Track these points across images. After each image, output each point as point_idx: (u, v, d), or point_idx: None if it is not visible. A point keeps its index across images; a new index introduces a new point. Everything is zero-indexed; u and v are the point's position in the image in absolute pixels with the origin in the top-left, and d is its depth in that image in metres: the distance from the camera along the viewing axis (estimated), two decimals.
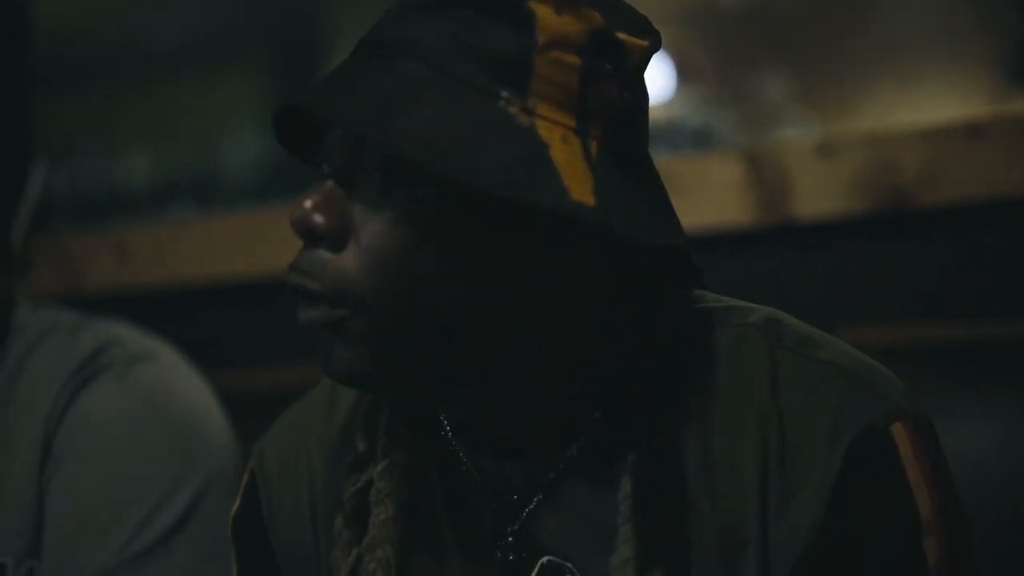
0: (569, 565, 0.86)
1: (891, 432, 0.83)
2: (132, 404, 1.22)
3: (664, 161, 1.16)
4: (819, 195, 1.44)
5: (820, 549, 0.82)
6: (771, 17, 1.57)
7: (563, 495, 0.87)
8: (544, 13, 0.81)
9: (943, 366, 1.22)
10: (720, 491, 0.84)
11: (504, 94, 0.80)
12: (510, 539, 0.88)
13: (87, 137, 2.07)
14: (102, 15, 2.08)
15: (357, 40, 0.86)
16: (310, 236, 0.83)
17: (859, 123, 1.53)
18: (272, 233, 1.72)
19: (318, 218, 0.82)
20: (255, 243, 1.74)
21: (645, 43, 0.85)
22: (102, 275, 1.83)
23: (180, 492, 1.20)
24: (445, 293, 0.82)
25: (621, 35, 0.83)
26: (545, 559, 0.87)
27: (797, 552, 0.82)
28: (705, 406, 0.85)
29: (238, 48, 2.03)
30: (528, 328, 0.84)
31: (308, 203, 0.82)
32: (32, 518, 1.20)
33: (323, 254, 0.82)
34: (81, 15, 2.09)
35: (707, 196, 1.48)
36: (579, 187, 0.79)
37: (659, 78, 1.62)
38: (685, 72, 1.67)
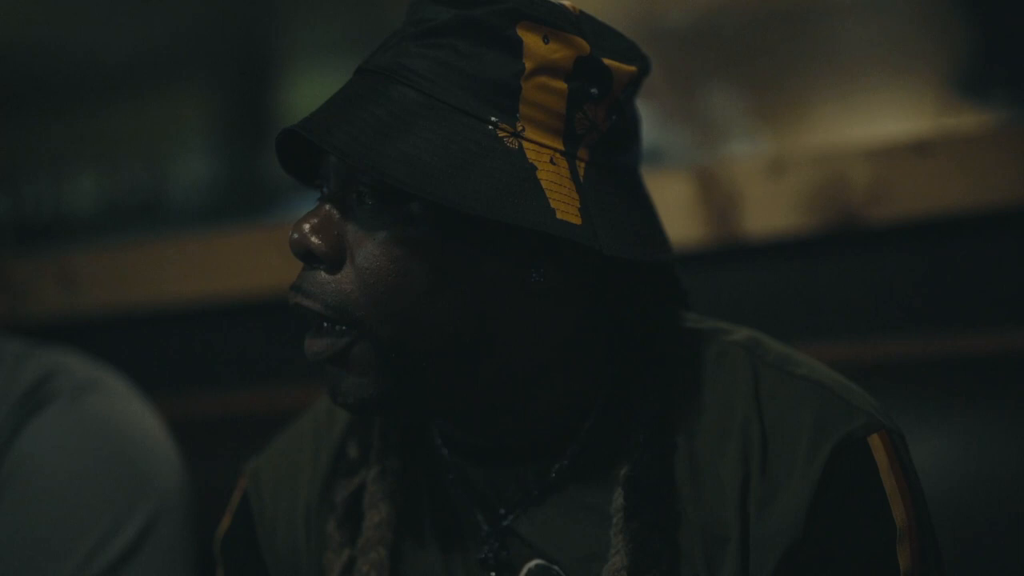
0: (557, 568, 0.90)
1: (869, 443, 0.88)
2: (79, 434, 1.22)
3: None
4: (769, 212, 1.45)
5: (799, 552, 0.86)
6: (720, 35, 1.57)
7: (553, 503, 0.91)
8: (531, 41, 0.85)
9: (893, 381, 1.23)
10: (704, 497, 0.88)
11: (493, 119, 0.83)
12: (498, 543, 0.91)
13: (30, 159, 2.04)
14: (47, 34, 2.06)
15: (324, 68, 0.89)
16: (308, 258, 0.86)
17: (809, 140, 1.53)
18: (221, 256, 1.71)
19: (315, 240, 0.86)
20: (204, 267, 1.72)
21: (632, 68, 0.88)
22: (46, 301, 1.81)
23: (130, 520, 1.19)
24: (440, 310, 0.85)
25: (607, 61, 0.87)
26: (533, 563, 0.91)
27: (777, 554, 0.86)
28: (691, 418, 0.90)
29: (187, 68, 2.01)
30: (522, 343, 0.87)
31: (306, 226, 0.86)
32: None
33: (321, 275, 0.86)
34: (24, 34, 2.06)
35: None
36: (565, 207, 0.83)
37: None
38: None
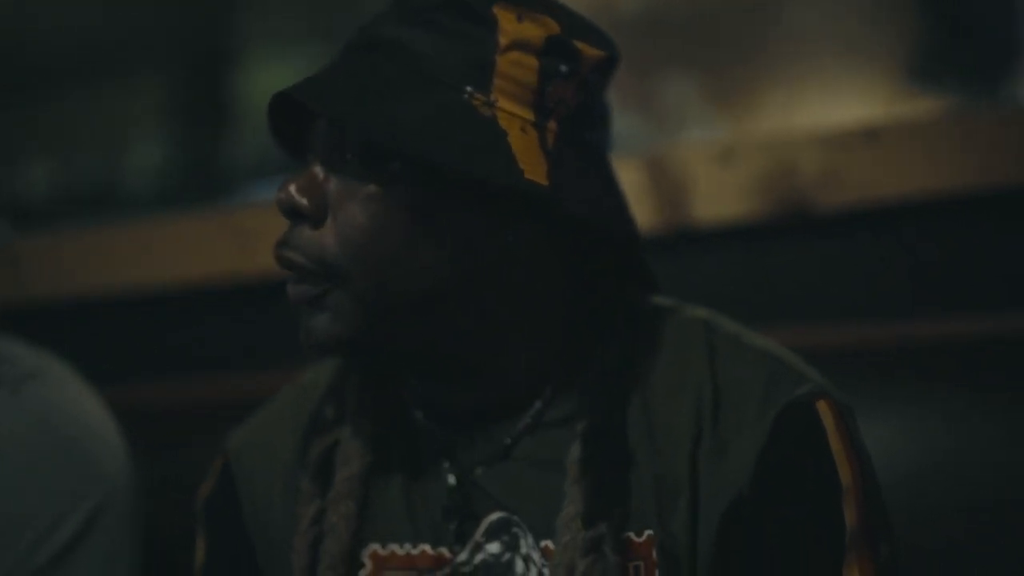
0: (516, 519, 0.95)
1: (816, 406, 0.93)
2: (23, 423, 1.21)
3: None
4: (719, 199, 1.45)
5: (745, 504, 0.91)
6: (671, 22, 1.58)
7: (517, 459, 0.96)
8: (506, 19, 0.92)
9: (843, 366, 1.23)
10: (657, 451, 0.93)
11: (468, 89, 0.91)
12: (463, 496, 0.97)
13: None
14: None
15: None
16: (293, 215, 0.93)
17: (759, 127, 1.54)
18: (173, 243, 1.70)
19: (300, 198, 0.92)
20: (155, 253, 1.71)
21: (601, 52, 0.95)
22: None
23: (75, 510, 1.19)
24: (414, 265, 0.91)
25: (577, 43, 0.94)
26: (495, 516, 0.96)
27: (725, 503, 0.91)
28: (647, 378, 0.96)
29: (141, 56, 2.00)
30: (491, 302, 0.94)
31: (292, 186, 0.93)
32: None
33: (305, 231, 0.92)
34: None
35: None
36: (533, 169, 0.90)
37: None
38: None
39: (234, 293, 1.67)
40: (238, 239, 1.64)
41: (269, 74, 1.98)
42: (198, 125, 2.03)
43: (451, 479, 0.97)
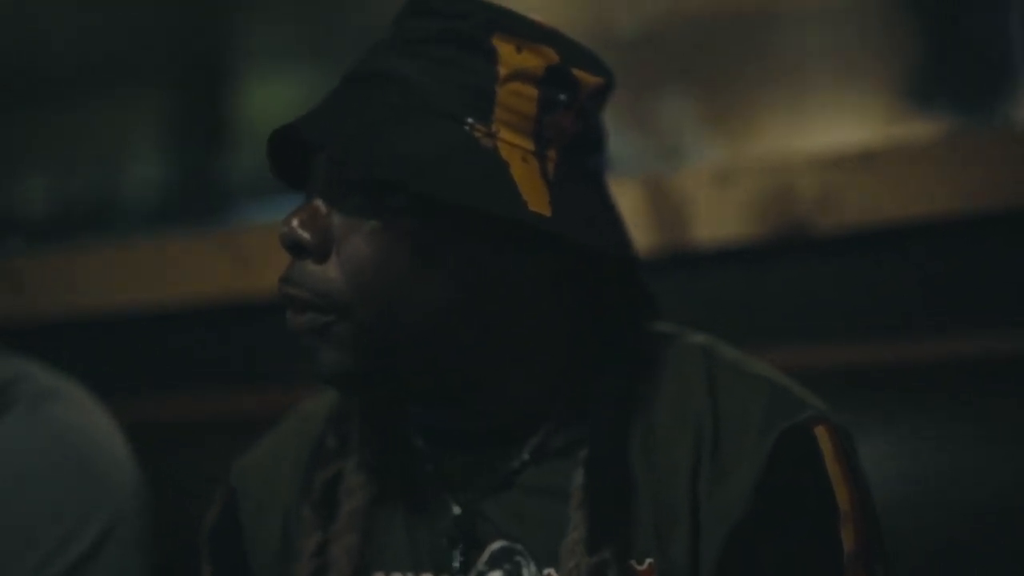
0: (519, 547, 0.95)
1: (815, 432, 0.93)
2: (40, 440, 1.22)
3: None
4: (717, 221, 1.45)
5: (745, 530, 0.91)
6: (669, 43, 1.58)
7: (520, 486, 0.96)
8: (505, 50, 0.92)
9: (839, 388, 1.23)
10: (658, 476, 0.94)
11: (469, 121, 0.91)
12: (466, 525, 0.96)
13: None
14: None
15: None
16: (296, 249, 0.92)
17: (757, 149, 1.54)
18: (172, 262, 1.70)
19: (304, 233, 0.91)
20: (154, 273, 1.71)
21: (598, 79, 0.96)
22: None
23: (87, 526, 1.20)
24: (418, 298, 0.91)
25: (575, 71, 0.94)
26: (497, 545, 0.96)
27: (726, 530, 0.91)
28: (648, 406, 0.96)
29: (141, 71, 2.00)
30: (495, 331, 0.94)
31: (295, 220, 0.92)
32: None
33: (309, 265, 0.92)
34: None
35: None
36: (536, 200, 0.90)
37: None
38: None
39: (231, 312, 1.67)
40: (235, 259, 1.65)
41: (268, 92, 1.98)
42: (196, 143, 2.03)
43: (455, 508, 0.97)
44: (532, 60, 0.93)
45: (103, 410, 1.30)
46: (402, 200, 0.91)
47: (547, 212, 0.90)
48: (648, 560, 0.92)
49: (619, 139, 1.66)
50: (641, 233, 1.46)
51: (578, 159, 0.94)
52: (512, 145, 0.91)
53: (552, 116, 0.93)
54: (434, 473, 0.98)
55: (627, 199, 1.47)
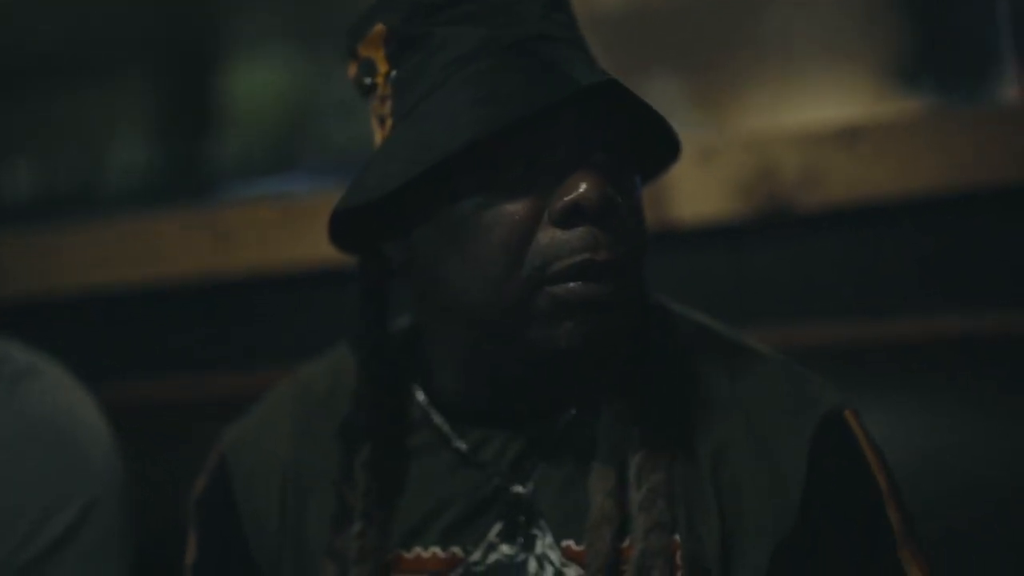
0: (542, 522, 0.94)
1: (845, 417, 0.93)
2: (19, 419, 1.22)
3: None
4: (701, 199, 1.45)
5: (800, 528, 0.90)
6: (654, 21, 1.58)
7: (540, 459, 0.95)
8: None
9: (823, 366, 1.23)
10: (683, 456, 0.92)
11: None
12: (487, 500, 0.95)
13: None
14: None
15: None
16: (610, 211, 0.87)
17: (740, 126, 1.54)
18: (154, 241, 1.69)
19: (612, 190, 0.86)
20: (136, 252, 1.70)
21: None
22: None
23: (68, 504, 1.20)
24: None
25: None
26: (513, 516, 0.94)
27: (782, 530, 0.90)
28: (672, 389, 0.94)
29: (125, 54, 1.99)
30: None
31: (599, 180, 0.86)
32: None
33: (615, 224, 0.87)
34: None
35: None
36: None
37: None
38: None
39: (213, 291, 1.66)
40: (218, 237, 1.64)
41: (251, 74, 1.98)
42: (180, 125, 2.03)
43: (475, 481, 0.96)
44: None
45: (82, 389, 1.29)
46: (632, 154, 0.91)
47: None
48: (674, 538, 0.91)
49: None
50: None
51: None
52: None
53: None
54: (451, 447, 0.97)
55: None
